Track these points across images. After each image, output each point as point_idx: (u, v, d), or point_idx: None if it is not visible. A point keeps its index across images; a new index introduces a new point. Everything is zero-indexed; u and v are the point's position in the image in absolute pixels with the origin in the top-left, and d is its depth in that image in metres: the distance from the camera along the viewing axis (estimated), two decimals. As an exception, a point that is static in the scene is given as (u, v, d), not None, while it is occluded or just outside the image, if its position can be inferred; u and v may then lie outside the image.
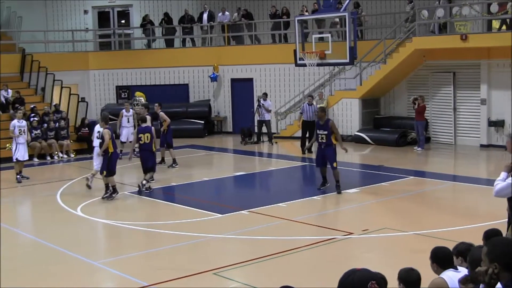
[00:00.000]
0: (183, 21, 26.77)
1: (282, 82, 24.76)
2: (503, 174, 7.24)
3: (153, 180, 15.08)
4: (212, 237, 10.89)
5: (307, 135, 20.25)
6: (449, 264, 5.41)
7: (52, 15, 28.40)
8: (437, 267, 5.42)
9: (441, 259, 5.43)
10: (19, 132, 16.86)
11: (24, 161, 16.96)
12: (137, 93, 23.36)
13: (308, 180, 17.23)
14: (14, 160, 16.69)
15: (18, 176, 16.57)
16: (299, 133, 20.94)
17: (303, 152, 20.10)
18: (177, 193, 15.21)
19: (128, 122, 20.25)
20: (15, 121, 17.12)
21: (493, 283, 3.57)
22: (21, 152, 16.67)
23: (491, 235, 5.64)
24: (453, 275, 5.22)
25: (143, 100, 22.72)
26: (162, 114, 17.55)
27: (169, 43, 27.27)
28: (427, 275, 5.50)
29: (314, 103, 20.81)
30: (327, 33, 21.75)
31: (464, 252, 5.46)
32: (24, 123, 17.28)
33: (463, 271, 5.22)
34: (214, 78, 25.55)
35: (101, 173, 14.09)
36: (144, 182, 14.60)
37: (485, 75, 20.02)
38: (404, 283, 5.02)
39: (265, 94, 22.87)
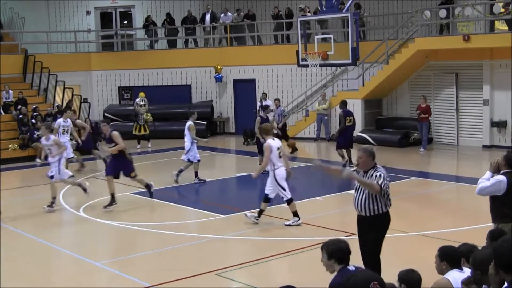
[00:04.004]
0: (185, 22, 26.76)
1: (285, 83, 24.74)
2: (487, 174, 7.47)
3: None
4: (215, 238, 10.89)
5: None
6: (458, 263, 5.39)
7: (55, 16, 28.44)
8: (447, 265, 5.37)
9: (452, 257, 5.40)
10: (63, 132, 17.20)
11: (69, 158, 16.89)
12: (141, 94, 23.39)
13: (310, 181, 17.20)
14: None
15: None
16: (301, 134, 20.93)
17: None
18: (180, 194, 15.20)
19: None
20: (60, 120, 17.57)
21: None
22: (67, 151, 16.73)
23: (496, 234, 5.63)
24: (458, 276, 5.21)
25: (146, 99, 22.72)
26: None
27: (172, 44, 27.27)
28: (430, 276, 5.49)
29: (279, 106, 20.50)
30: (330, 34, 21.72)
31: (467, 253, 5.44)
32: (69, 122, 17.57)
33: (467, 271, 5.19)
34: (218, 79, 25.53)
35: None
36: None
37: (488, 75, 19.99)
38: (405, 283, 5.02)
39: (265, 94, 22.85)
